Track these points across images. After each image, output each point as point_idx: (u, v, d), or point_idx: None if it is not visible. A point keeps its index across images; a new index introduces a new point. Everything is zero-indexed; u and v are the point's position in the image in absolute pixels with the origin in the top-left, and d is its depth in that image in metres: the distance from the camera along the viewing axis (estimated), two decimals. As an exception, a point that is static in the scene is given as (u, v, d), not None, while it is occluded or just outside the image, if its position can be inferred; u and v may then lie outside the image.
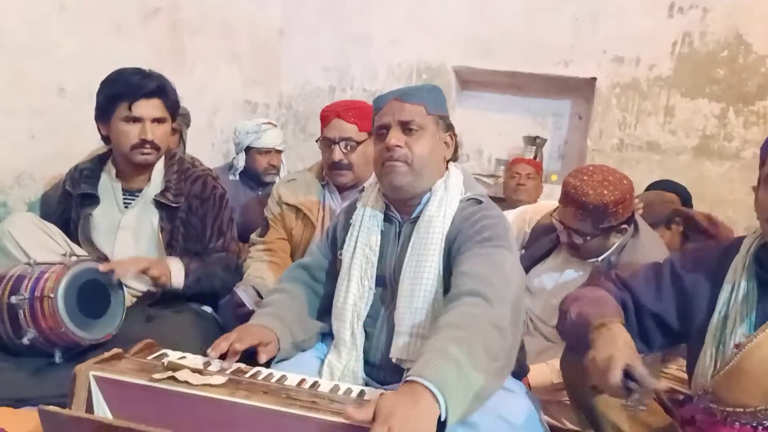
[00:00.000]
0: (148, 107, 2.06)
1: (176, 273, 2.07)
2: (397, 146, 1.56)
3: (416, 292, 1.52)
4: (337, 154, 2.23)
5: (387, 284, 1.61)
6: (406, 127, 1.57)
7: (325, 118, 2.29)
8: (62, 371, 1.71)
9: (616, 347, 1.30)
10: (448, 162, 1.68)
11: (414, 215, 1.63)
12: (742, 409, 1.25)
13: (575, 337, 1.51)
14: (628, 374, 1.23)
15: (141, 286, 2.11)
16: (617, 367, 1.24)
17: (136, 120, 2.05)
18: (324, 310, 1.71)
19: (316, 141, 2.35)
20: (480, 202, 1.62)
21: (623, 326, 1.40)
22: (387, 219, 1.67)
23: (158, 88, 2.08)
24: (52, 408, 1.14)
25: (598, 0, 3.99)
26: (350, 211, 1.74)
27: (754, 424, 1.25)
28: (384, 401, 1.08)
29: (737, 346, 1.33)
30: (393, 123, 1.58)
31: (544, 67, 4.14)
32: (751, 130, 3.78)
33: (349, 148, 2.24)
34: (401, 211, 1.65)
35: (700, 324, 1.46)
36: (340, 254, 1.68)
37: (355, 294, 1.60)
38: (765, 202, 1.37)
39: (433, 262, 1.53)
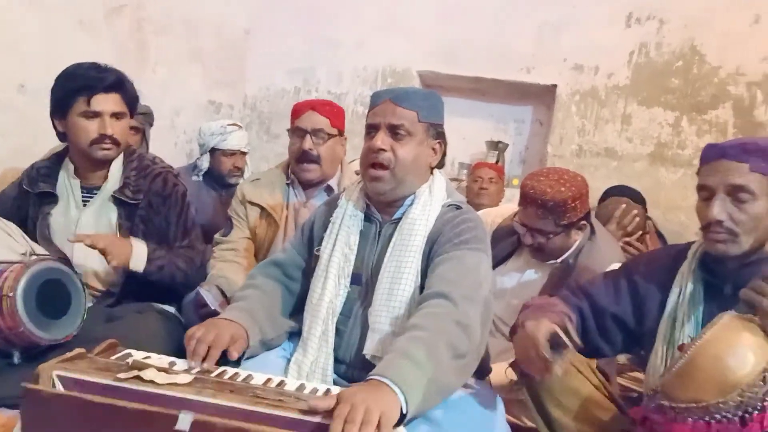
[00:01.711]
0: (107, 102, 2.03)
1: (137, 256, 2.03)
2: (382, 149, 1.58)
3: (395, 290, 1.54)
4: (308, 142, 2.27)
5: (363, 283, 1.63)
6: (394, 131, 1.59)
7: (298, 110, 2.33)
8: (21, 372, 1.67)
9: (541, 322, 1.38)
10: (432, 168, 1.70)
11: (395, 216, 1.65)
12: (695, 405, 1.30)
13: None
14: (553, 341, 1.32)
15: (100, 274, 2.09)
16: (544, 327, 1.33)
17: (95, 115, 2.02)
18: (296, 308, 1.71)
19: (288, 130, 2.37)
20: (460, 207, 1.65)
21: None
22: (367, 219, 1.68)
23: (117, 81, 2.05)
24: (34, 386, 1.15)
25: (559, 10, 4.07)
26: (330, 208, 1.75)
27: (707, 419, 1.30)
28: (345, 390, 1.17)
29: (681, 348, 1.39)
30: (382, 125, 1.60)
31: (507, 74, 4.21)
32: (704, 139, 3.91)
33: (320, 139, 2.28)
34: (382, 211, 1.67)
35: (651, 325, 1.54)
36: (317, 251, 1.69)
37: (331, 291, 1.61)
38: (698, 211, 1.48)
39: (414, 262, 1.55)
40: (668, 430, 1.34)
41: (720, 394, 1.26)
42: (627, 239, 2.63)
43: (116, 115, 2.06)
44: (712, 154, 1.47)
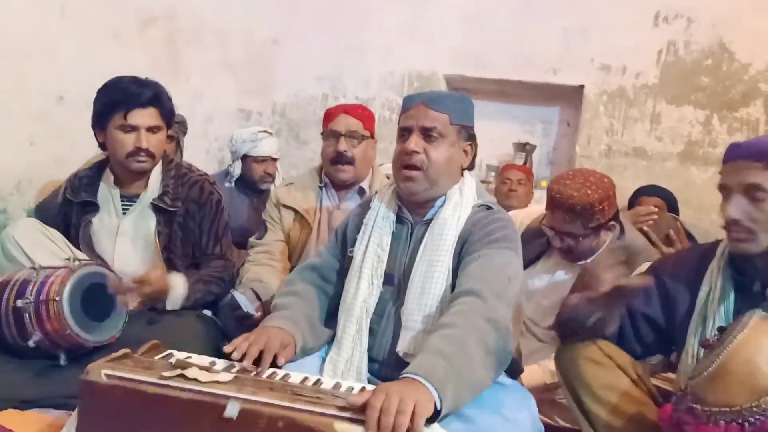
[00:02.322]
0: (143, 116, 2.08)
1: (176, 292, 2.09)
2: (415, 152, 1.61)
3: (427, 289, 1.57)
4: (343, 144, 2.32)
5: (395, 282, 1.66)
6: (426, 134, 1.62)
7: (332, 114, 2.39)
8: (67, 373, 1.75)
9: None
10: (463, 170, 1.73)
11: (427, 217, 1.67)
12: (727, 408, 1.30)
13: (575, 317, 1.58)
14: None
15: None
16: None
17: (132, 128, 2.07)
18: (333, 310, 1.73)
19: (321, 134, 2.42)
20: (490, 208, 1.67)
21: None
22: (399, 220, 1.71)
23: (154, 97, 2.11)
24: (89, 378, 1.22)
25: (585, 10, 4.07)
26: (363, 211, 1.78)
27: (740, 422, 1.30)
28: (380, 385, 1.20)
29: (704, 344, 1.39)
30: (415, 128, 1.63)
31: (534, 76, 4.22)
32: (735, 137, 3.87)
33: (354, 140, 2.33)
34: (414, 212, 1.70)
35: (681, 324, 1.54)
36: (351, 252, 1.72)
37: (365, 291, 1.64)
38: (720, 210, 1.50)
39: (445, 261, 1.58)
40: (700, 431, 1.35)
41: (752, 397, 1.25)
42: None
43: (152, 129, 2.11)
44: (730, 154, 1.48)
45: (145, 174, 2.19)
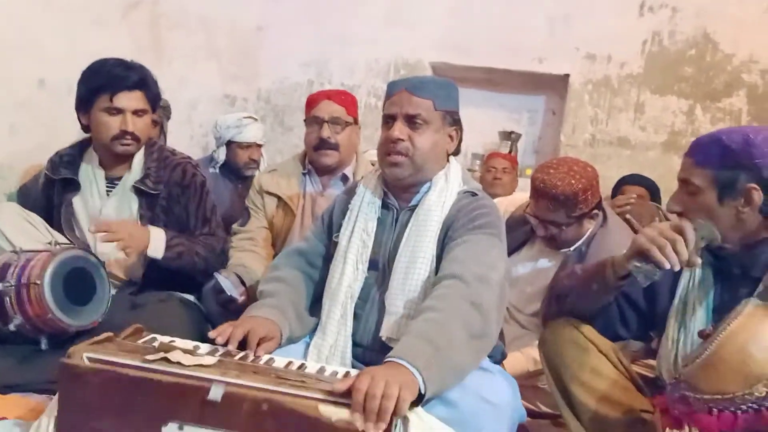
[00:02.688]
0: (130, 99, 2.07)
1: (155, 243, 2.06)
2: (400, 139, 1.60)
3: (410, 274, 1.57)
4: (326, 131, 2.30)
5: (380, 268, 1.66)
6: (411, 121, 1.61)
7: (314, 100, 2.36)
8: (49, 358, 1.74)
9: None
10: (449, 155, 1.73)
11: (412, 203, 1.68)
12: (720, 396, 1.31)
13: (581, 285, 1.60)
14: None
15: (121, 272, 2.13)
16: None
17: (117, 111, 2.06)
18: (319, 295, 1.73)
19: (304, 121, 2.40)
20: (475, 194, 1.68)
21: None
22: (384, 206, 1.71)
23: (140, 80, 2.09)
24: (71, 361, 1.21)
25: (571, -1, 4.08)
26: (348, 196, 1.78)
27: (732, 409, 1.31)
28: (365, 370, 1.21)
29: (702, 335, 1.40)
30: (399, 114, 1.62)
31: (519, 64, 4.21)
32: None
33: (338, 126, 2.31)
34: (400, 198, 1.70)
35: (662, 309, 1.56)
36: (336, 237, 1.72)
37: (349, 276, 1.64)
38: None
39: (429, 247, 1.59)
40: (693, 420, 1.36)
41: (745, 385, 1.26)
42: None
43: (138, 112, 2.09)
44: None
45: (128, 157, 2.17)
